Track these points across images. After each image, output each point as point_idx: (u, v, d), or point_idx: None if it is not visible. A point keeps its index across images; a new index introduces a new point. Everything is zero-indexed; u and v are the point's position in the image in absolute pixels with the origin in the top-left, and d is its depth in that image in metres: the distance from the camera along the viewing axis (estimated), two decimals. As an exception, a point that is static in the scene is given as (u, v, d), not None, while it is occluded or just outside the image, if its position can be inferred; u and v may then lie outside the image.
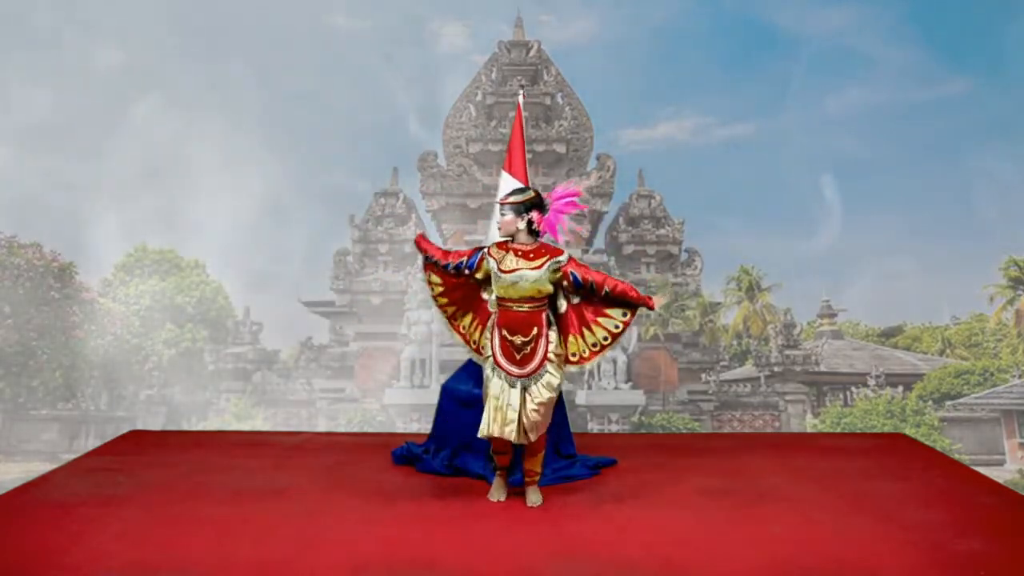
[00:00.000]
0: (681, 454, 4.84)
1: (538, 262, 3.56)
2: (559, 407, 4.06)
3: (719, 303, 19.80)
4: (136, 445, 5.06)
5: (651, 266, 19.35)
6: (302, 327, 19.17)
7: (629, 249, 19.24)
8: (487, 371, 3.65)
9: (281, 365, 18.57)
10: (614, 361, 16.65)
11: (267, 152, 21.00)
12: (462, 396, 4.26)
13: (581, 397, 16.56)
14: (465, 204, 18.91)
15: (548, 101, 19.70)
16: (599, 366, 15.82)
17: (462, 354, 4.10)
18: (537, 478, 3.73)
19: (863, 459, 4.70)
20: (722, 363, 19.10)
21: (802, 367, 18.20)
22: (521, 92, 5.78)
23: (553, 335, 3.64)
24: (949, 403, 17.06)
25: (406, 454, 4.52)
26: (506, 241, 3.67)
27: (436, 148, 19.68)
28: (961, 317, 20.78)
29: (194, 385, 17.58)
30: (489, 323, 3.71)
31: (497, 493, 3.80)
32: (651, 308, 3.72)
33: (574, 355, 3.68)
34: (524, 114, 4.96)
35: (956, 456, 11.81)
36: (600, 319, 3.68)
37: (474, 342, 3.81)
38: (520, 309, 3.56)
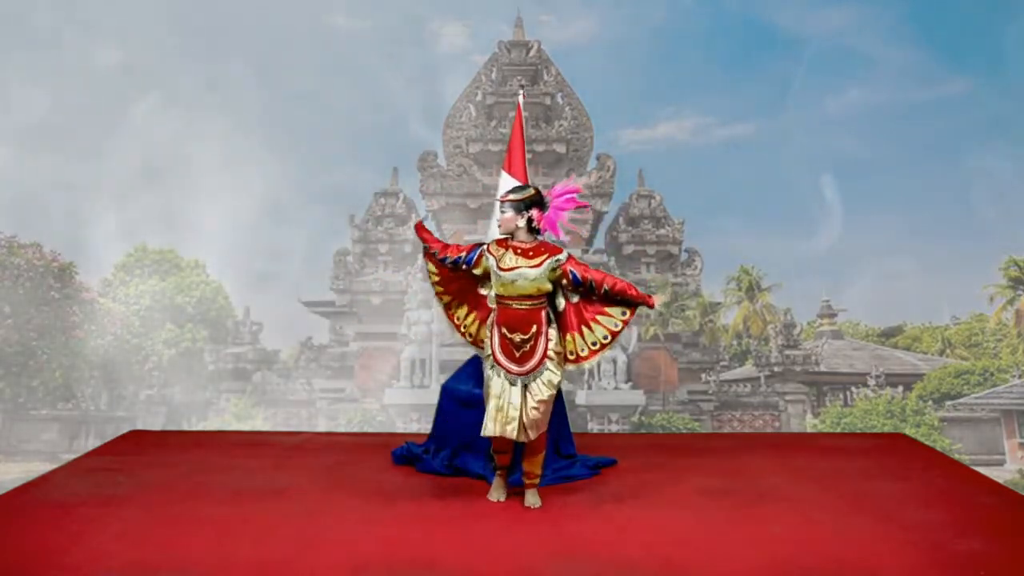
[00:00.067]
0: (681, 454, 4.84)
1: (537, 260, 3.56)
2: (559, 406, 4.06)
3: (719, 303, 19.81)
4: (136, 445, 5.06)
5: (651, 266, 19.35)
6: (302, 327, 19.20)
7: (629, 249, 19.23)
8: (487, 370, 3.65)
9: (281, 365, 18.58)
10: (614, 361, 16.65)
11: (267, 152, 21.01)
12: (462, 396, 4.26)
13: (581, 397, 16.56)
14: (465, 204, 18.91)
15: (548, 101, 19.71)
16: (599, 366, 15.81)
17: (462, 354, 4.11)
18: (536, 480, 3.72)
19: (863, 459, 4.69)
20: (722, 363, 19.10)
21: (802, 367, 18.20)
22: (521, 92, 5.78)
23: (553, 333, 3.63)
24: (949, 403, 17.06)
25: (406, 454, 4.52)
26: (506, 238, 3.67)
27: (436, 148, 19.70)
28: (961, 317, 20.79)
29: (194, 385, 17.58)
30: (489, 321, 3.71)
31: (497, 493, 3.80)
32: (651, 306, 3.72)
33: (572, 353, 3.67)
34: (524, 114, 4.96)
35: (956, 456, 11.81)
36: (599, 317, 3.68)
37: (470, 335, 3.82)
38: (519, 307, 3.56)
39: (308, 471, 4.30)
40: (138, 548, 3.08)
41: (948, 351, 20.21)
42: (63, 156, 19.82)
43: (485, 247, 3.68)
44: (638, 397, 16.82)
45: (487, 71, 20.10)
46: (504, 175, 4.54)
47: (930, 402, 17.01)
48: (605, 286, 3.63)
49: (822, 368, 18.61)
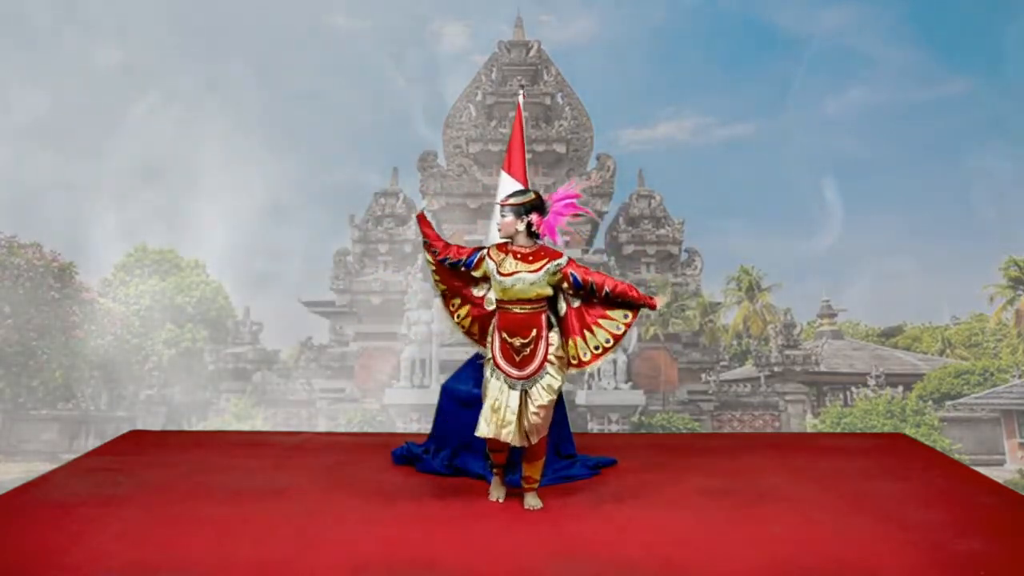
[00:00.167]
0: (681, 454, 4.84)
1: (537, 265, 3.56)
2: (559, 408, 4.06)
3: (719, 303, 19.79)
4: (136, 445, 5.06)
5: (651, 266, 19.33)
6: (302, 327, 19.16)
7: (629, 249, 19.22)
8: (487, 372, 3.65)
9: (281, 365, 18.56)
10: (614, 361, 16.63)
11: (267, 152, 20.97)
12: (462, 396, 4.26)
13: (581, 397, 16.56)
14: (465, 204, 18.90)
15: (548, 101, 19.69)
16: (599, 366, 15.80)
17: (462, 354, 4.11)
18: (536, 485, 3.71)
19: (863, 459, 4.70)
20: (722, 363, 19.09)
21: (802, 367, 18.19)
22: (521, 92, 5.77)
23: (554, 337, 3.63)
24: (949, 403, 17.05)
25: (406, 454, 4.53)
26: (506, 243, 3.67)
27: (436, 148, 19.69)
28: (961, 317, 20.76)
29: (194, 385, 17.57)
30: (491, 326, 3.71)
31: (495, 492, 3.80)
32: (653, 308, 3.71)
33: (575, 358, 3.65)
34: (524, 114, 4.97)
35: (956, 456, 11.81)
36: (601, 321, 3.67)
37: (463, 327, 3.85)
38: (519, 311, 3.56)
39: (308, 471, 4.31)
40: (138, 548, 3.08)
41: (948, 351, 20.19)
42: (63, 156, 19.79)
43: (486, 251, 3.68)
44: (638, 397, 16.81)
45: (487, 71, 20.09)
46: (504, 175, 4.55)
47: (930, 402, 17.00)
48: (606, 289, 3.62)
49: (822, 368, 18.59)
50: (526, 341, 3.55)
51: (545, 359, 3.58)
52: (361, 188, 20.03)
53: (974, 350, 19.45)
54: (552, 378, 3.58)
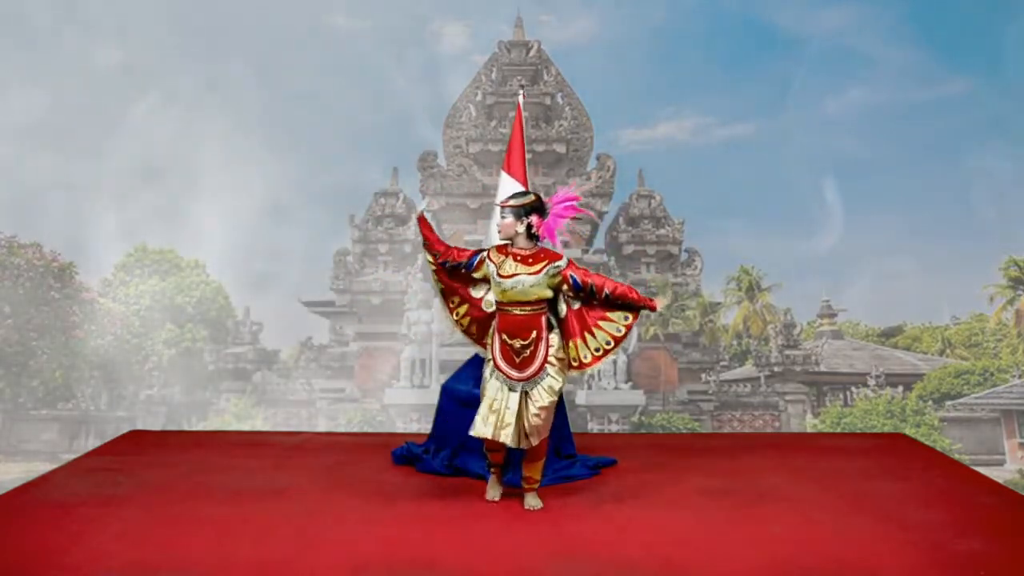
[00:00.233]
0: (681, 454, 4.84)
1: (536, 267, 3.56)
2: (559, 408, 4.06)
3: (719, 303, 19.79)
4: (136, 445, 5.06)
5: (651, 266, 19.33)
6: (302, 327, 19.16)
7: (629, 249, 19.22)
8: (486, 373, 3.65)
9: (281, 365, 18.56)
10: (614, 361, 16.60)
11: (267, 152, 20.96)
12: (462, 396, 4.26)
13: (581, 397, 16.56)
14: (465, 204, 18.90)
15: (548, 101, 19.69)
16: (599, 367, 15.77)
17: (462, 354, 4.11)
18: (536, 485, 3.72)
19: (863, 459, 4.70)
20: (722, 363, 19.09)
21: (802, 367, 18.19)
22: (521, 92, 5.77)
23: (555, 339, 3.63)
24: (949, 403, 17.05)
25: (406, 454, 4.53)
26: (506, 245, 3.67)
27: (436, 148, 19.68)
28: (961, 317, 20.76)
29: (194, 385, 17.57)
30: (491, 328, 3.71)
31: (492, 491, 3.81)
32: (653, 310, 3.72)
33: (576, 360, 3.65)
34: (524, 114, 4.96)
35: (956, 456, 11.81)
36: (602, 323, 3.67)
37: (461, 325, 3.86)
38: (519, 313, 3.57)
39: (308, 471, 4.31)
40: (138, 548, 3.08)
41: (948, 351, 20.19)
42: (63, 156, 19.79)
43: (485, 253, 3.68)
44: (638, 397, 16.81)
45: (487, 71, 20.09)
46: (504, 175, 4.55)
47: (930, 402, 17.00)
48: (606, 290, 3.62)
49: (822, 368, 18.59)
50: (526, 343, 3.55)
51: (545, 360, 3.58)
52: (361, 188, 20.02)
53: (974, 350, 19.45)
54: (553, 379, 3.59)
